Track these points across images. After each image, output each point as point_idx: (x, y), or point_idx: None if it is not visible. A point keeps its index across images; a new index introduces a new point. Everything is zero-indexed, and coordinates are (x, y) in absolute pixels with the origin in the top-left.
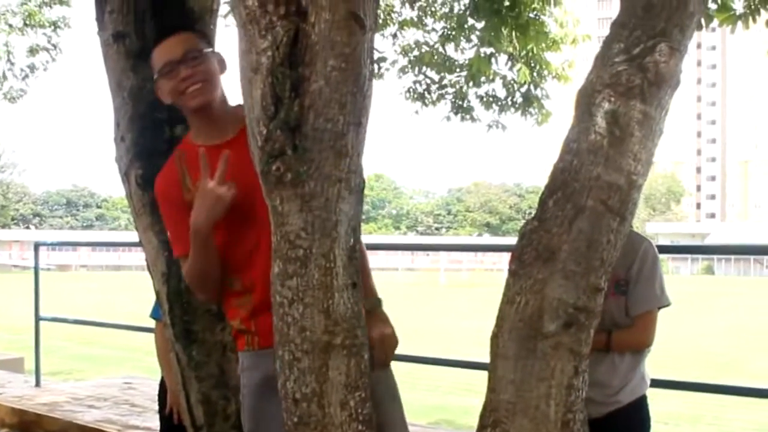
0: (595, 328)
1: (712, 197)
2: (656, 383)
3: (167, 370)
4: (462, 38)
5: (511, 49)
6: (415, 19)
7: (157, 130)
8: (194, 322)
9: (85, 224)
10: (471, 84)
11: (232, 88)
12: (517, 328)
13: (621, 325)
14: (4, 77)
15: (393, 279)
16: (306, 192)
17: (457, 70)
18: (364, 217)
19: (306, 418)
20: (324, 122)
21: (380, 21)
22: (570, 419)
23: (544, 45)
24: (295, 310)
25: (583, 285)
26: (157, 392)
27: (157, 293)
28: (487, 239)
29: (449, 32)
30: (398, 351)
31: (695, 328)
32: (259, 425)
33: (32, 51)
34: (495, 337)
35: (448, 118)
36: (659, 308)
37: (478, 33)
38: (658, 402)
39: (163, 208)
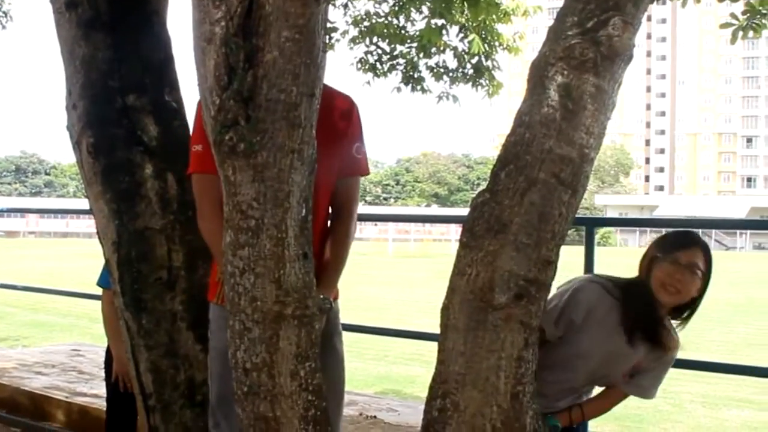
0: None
1: (661, 170)
2: None
3: (113, 338)
4: (413, 9)
5: (462, 20)
6: None
7: (110, 99)
8: (144, 291)
9: (33, 191)
10: (422, 55)
11: (185, 58)
12: (468, 299)
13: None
14: None
15: None
16: (258, 162)
17: (408, 41)
18: None
19: (256, 388)
20: (277, 93)
21: None
22: (519, 391)
23: (495, 16)
24: (246, 280)
25: (534, 257)
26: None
27: (107, 261)
28: (436, 210)
29: (400, 3)
30: (346, 321)
31: None
32: (226, 390)
33: None
34: (445, 309)
35: (399, 89)
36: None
37: (428, 4)
38: None
39: (200, 123)
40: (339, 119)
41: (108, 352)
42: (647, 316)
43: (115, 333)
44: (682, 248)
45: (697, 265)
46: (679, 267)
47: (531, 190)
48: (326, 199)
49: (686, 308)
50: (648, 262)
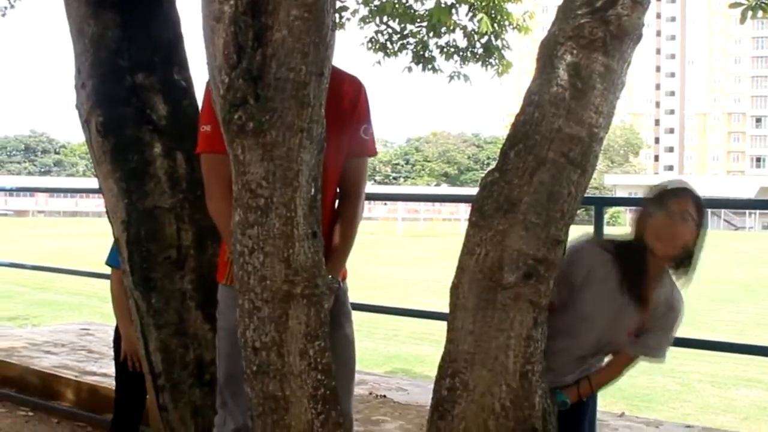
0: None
1: (671, 150)
2: None
3: (122, 317)
4: None
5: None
6: None
7: (119, 78)
8: (154, 270)
9: (43, 170)
10: (432, 34)
11: (195, 37)
12: (477, 279)
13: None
14: None
15: None
16: (268, 141)
17: (419, 20)
18: None
19: (265, 367)
20: (286, 72)
21: None
22: (528, 370)
23: None
24: (255, 259)
25: (543, 236)
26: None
27: (117, 240)
28: (445, 189)
29: None
30: (356, 300)
31: None
32: (233, 369)
33: None
34: (455, 288)
35: (410, 69)
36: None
37: None
38: None
39: (209, 103)
40: (346, 100)
41: (117, 331)
42: (640, 271)
43: (124, 312)
44: (672, 198)
45: (689, 212)
46: (670, 216)
47: (540, 169)
48: (335, 180)
49: (685, 259)
50: (640, 217)
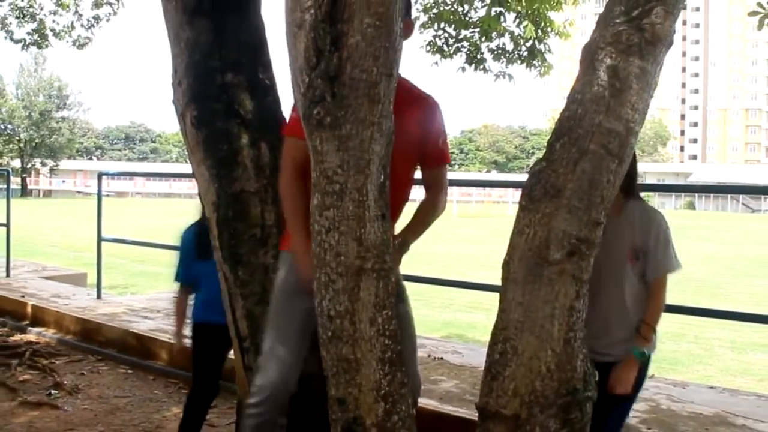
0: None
1: (694, 141)
2: None
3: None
4: None
5: (519, 8)
6: None
7: (210, 77)
8: (240, 246)
9: (140, 156)
10: (483, 39)
11: (277, 41)
12: (526, 256)
13: (633, 285)
14: (72, 27)
15: (411, 210)
16: (343, 134)
17: (472, 26)
18: None
19: (339, 333)
20: (360, 73)
21: None
22: (571, 337)
23: (547, 5)
24: (331, 238)
25: (585, 219)
26: None
27: (208, 220)
28: (495, 175)
29: None
30: (416, 273)
31: (680, 256)
32: (279, 325)
33: (97, 4)
34: (506, 264)
35: (464, 69)
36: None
37: None
38: None
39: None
40: (425, 115)
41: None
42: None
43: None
44: None
45: None
46: None
47: (583, 159)
48: (408, 175)
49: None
50: None
